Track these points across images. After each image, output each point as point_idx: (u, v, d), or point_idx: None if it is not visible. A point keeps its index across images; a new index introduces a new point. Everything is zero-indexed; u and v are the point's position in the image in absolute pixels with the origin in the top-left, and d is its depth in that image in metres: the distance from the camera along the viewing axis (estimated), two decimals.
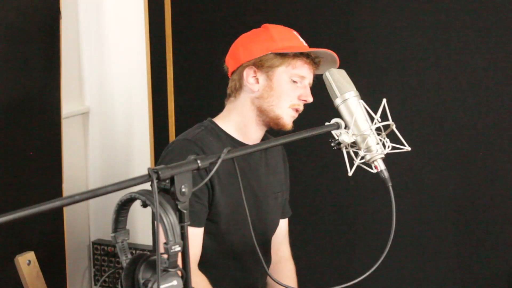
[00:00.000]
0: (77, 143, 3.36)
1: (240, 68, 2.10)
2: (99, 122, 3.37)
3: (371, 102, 1.76)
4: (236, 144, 2.08)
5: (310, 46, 2.13)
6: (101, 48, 3.33)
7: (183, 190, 1.35)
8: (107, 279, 3.39)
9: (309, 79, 2.10)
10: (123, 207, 1.37)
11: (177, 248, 1.30)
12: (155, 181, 1.31)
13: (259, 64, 2.06)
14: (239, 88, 2.11)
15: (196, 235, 2.04)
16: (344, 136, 1.69)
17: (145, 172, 1.33)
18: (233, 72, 2.13)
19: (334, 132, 1.70)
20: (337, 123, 1.71)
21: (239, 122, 2.11)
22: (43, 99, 2.94)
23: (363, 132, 1.70)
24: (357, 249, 2.99)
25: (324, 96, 1.83)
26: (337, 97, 1.75)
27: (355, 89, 1.76)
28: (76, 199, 1.24)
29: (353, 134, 1.69)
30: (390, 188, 1.69)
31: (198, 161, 1.40)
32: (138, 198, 1.32)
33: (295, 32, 2.14)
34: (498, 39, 2.68)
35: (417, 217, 2.86)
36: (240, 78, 2.10)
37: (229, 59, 2.16)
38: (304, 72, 2.08)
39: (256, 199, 2.15)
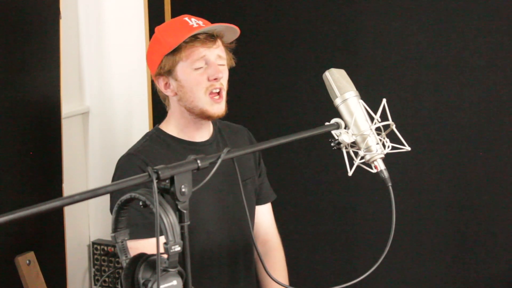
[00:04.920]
0: (77, 143, 3.35)
1: (155, 81, 2.16)
2: (99, 122, 3.36)
3: (371, 102, 1.76)
4: (184, 144, 2.12)
5: (218, 20, 2.10)
6: (101, 48, 3.32)
7: (183, 190, 1.35)
8: (107, 279, 3.39)
9: (211, 56, 2.09)
10: (123, 207, 1.37)
11: (177, 248, 1.30)
12: (155, 181, 1.31)
13: (162, 72, 2.11)
14: (165, 96, 2.16)
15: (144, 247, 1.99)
16: (344, 136, 1.69)
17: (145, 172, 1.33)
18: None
19: (334, 132, 1.70)
20: (337, 123, 1.71)
21: (179, 124, 2.16)
22: (43, 99, 2.94)
23: (363, 132, 1.70)
24: (357, 249, 2.99)
25: (324, 96, 1.83)
26: (337, 97, 1.75)
27: (355, 89, 1.75)
28: (76, 199, 1.24)
29: (353, 134, 1.69)
30: (390, 188, 1.69)
31: (198, 161, 1.40)
32: (138, 198, 1.32)
33: (185, 18, 2.13)
34: (498, 39, 2.68)
35: (417, 217, 2.85)
36: (159, 89, 2.16)
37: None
38: (199, 55, 2.07)
39: (221, 194, 2.15)
